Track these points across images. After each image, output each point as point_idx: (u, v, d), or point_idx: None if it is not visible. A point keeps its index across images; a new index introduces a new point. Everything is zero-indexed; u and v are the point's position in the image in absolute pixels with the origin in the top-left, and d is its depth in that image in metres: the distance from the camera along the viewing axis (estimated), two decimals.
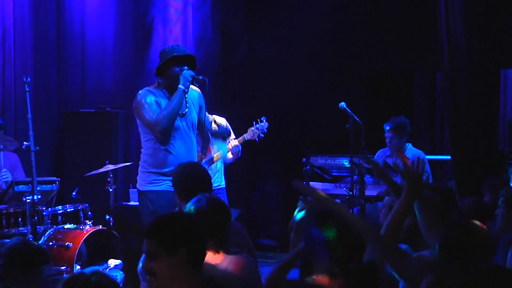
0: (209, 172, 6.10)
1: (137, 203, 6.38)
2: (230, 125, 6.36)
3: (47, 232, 5.75)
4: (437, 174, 7.39)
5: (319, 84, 8.34)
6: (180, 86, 4.76)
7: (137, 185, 4.96)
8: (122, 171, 7.31)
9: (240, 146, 6.11)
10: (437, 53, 6.87)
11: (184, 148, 4.85)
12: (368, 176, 6.26)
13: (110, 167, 6.23)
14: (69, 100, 7.59)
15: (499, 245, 4.16)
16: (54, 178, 6.14)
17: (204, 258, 2.78)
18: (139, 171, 4.95)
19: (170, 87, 4.86)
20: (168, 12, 8.27)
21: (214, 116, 6.31)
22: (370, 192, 6.19)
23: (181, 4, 8.29)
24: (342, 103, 6.04)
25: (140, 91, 4.90)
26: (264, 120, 6.11)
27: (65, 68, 7.56)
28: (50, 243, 5.63)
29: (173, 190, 4.46)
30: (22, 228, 5.59)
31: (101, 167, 6.21)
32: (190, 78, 4.80)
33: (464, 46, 6.62)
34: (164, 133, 4.75)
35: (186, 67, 4.83)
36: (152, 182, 4.84)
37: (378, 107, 8.18)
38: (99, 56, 7.82)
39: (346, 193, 6.18)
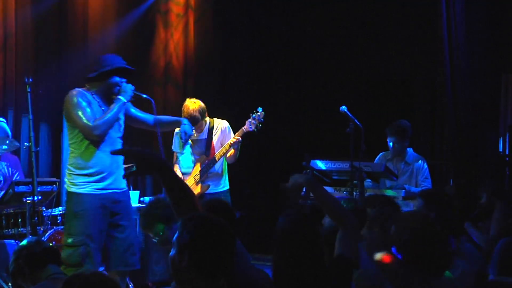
0: (213, 176, 6.20)
1: (137, 204, 6.45)
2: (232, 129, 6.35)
3: (47, 233, 5.76)
4: (436, 178, 7.37)
5: (320, 88, 8.34)
6: (122, 97, 4.82)
7: (66, 185, 4.93)
8: None
9: (240, 140, 6.10)
10: (438, 57, 6.89)
11: (109, 151, 4.73)
12: (369, 180, 6.24)
13: None
14: None
15: (495, 250, 4.14)
16: (54, 179, 6.14)
17: None
18: (66, 173, 4.92)
19: (103, 94, 4.87)
20: (169, 16, 8.27)
21: (215, 119, 6.31)
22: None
23: (183, 8, 8.30)
24: (343, 106, 6.02)
25: (72, 92, 4.83)
26: (260, 110, 6.11)
27: (66, 69, 7.55)
28: (50, 244, 5.60)
29: (97, 193, 4.72)
30: (22, 229, 5.60)
31: None
32: (132, 93, 4.88)
33: (465, 51, 6.64)
34: (101, 137, 4.76)
35: (125, 81, 4.90)
36: (77, 184, 4.79)
37: (377, 112, 8.18)
38: None
39: (346, 197, 6.15)
